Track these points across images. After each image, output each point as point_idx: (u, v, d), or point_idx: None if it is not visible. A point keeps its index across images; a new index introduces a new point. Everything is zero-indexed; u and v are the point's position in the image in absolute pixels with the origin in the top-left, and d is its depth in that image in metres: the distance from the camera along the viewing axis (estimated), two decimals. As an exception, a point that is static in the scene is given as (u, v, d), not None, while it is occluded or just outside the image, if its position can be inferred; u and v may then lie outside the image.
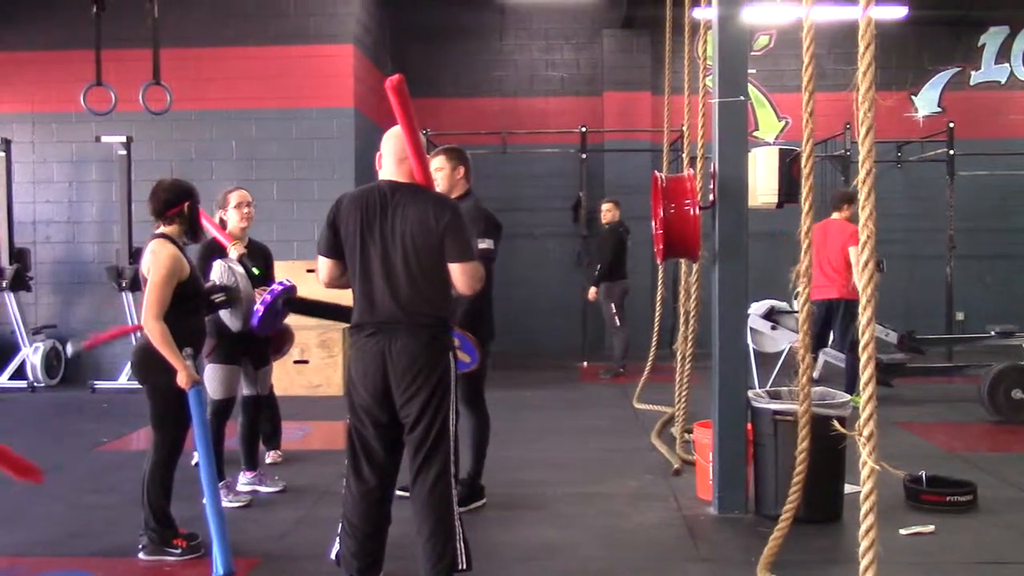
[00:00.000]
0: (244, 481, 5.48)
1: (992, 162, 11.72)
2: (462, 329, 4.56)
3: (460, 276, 3.66)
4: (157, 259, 4.25)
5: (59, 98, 10.11)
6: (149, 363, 4.26)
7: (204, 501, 4.03)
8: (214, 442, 5.13)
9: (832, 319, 8.00)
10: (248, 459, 5.52)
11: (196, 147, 10.17)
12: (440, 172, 4.94)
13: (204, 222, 5.13)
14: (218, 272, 5.00)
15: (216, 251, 5.30)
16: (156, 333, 4.15)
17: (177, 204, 4.41)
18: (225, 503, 5.13)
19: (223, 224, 5.50)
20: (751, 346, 7.59)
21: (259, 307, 4.99)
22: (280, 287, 5.07)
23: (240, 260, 5.26)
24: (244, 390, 5.48)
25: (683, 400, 6.57)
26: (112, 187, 10.05)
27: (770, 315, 8.22)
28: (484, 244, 4.74)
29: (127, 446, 7.03)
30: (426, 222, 3.60)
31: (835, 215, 8.07)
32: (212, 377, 5.24)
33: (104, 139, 9.72)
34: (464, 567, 3.69)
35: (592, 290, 10.19)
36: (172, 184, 4.51)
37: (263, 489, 5.48)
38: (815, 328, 7.68)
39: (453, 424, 3.70)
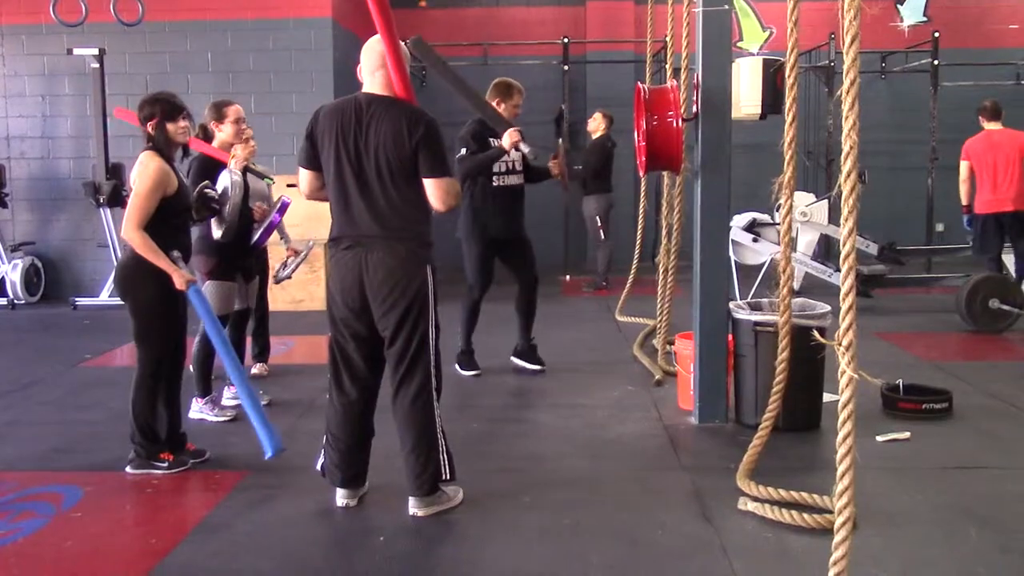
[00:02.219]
0: (229, 395, 5.52)
1: (976, 72, 11.64)
2: None
3: (434, 191, 3.64)
4: (144, 171, 4.20)
5: (28, 9, 9.86)
6: (132, 278, 4.23)
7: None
8: (204, 358, 5.23)
9: (1009, 232, 8.02)
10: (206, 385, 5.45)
11: (171, 60, 9.96)
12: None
13: (194, 143, 5.07)
14: (223, 182, 4.98)
15: (210, 169, 5.15)
16: (138, 241, 4.12)
17: (151, 117, 4.31)
18: (210, 417, 5.22)
19: (207, 137, 5.35)
20: (732, 258, 7.62)
21: (273, 220, 5.11)
22: (285, 204, 5.19)
23: (247, 171, 5.23)
24: (236, 304, 5.46)
25: (665, 312, 6.61)
26: (86, 101, 9.85)
27: (752, 227, 8.22)
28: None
29: (110, 362, 7.05)
30: (399, 136, 3.57)
31: (991, 125, 8.12)
32: (211, 294, 5.12)
33: (76, 51, 9.47)
34: (448, 477, 3.77)
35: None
36: (148, 97, 4.40)
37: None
38: (991, 245, 7.95)
39: (433, 339, 3.72)
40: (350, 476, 3.84)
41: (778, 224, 8.64)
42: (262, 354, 6.28)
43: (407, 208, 3.64)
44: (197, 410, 5.28)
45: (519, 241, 6.19)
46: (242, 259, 5.35)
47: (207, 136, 5.35)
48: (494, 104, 5.84)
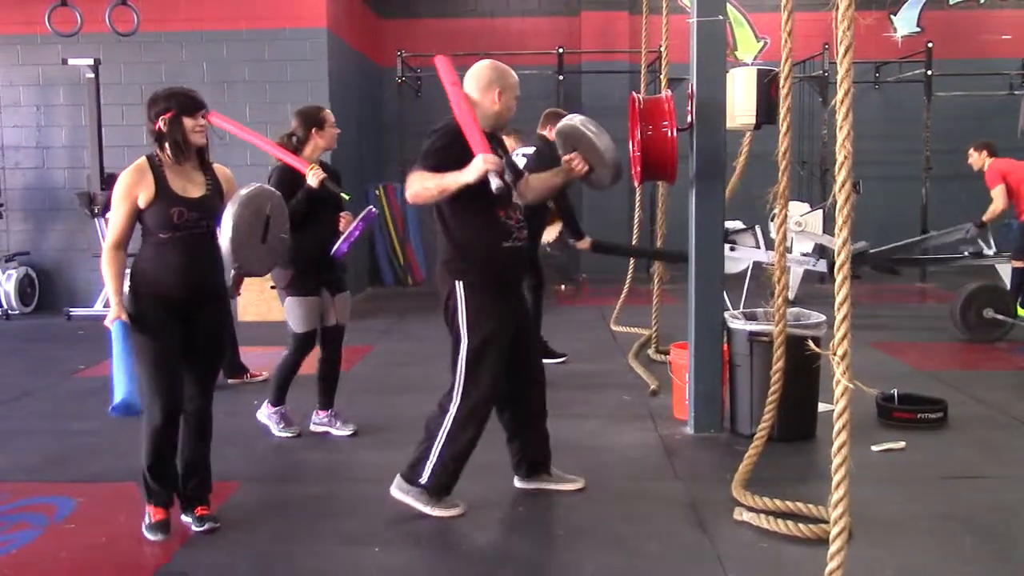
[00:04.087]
0: (317, 420, 5.21)
1: (970, 83, 11.68)
2: None
3: None
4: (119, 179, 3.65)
5: (23, 19, 9.84)
6: (130, 313, 3.66)
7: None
8: (288, 374, 5.08)
9: None
10: (325, 397, 5.20)
11: (166, 70, 9.94)
12: None
13: (270, 147, 4.93)
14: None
15: (294, 179, 4.80)
16: (102, 260, 3.63)
17: (166, 111, 3.61)
18: (274, 429, 5.12)
19: (295, 148, 4.95)
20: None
21: (355, 229, 4.81)
22: (371, 215, 4.91)
23: (323, 185, 4.78)
24: (325, 321, 5.09)
25: (658, 322, 6.62)
26: (81, 111, 9.84)
27: (726, 237, 8.24)
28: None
29: (105, 372, 7.01)
30: None
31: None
32: (293, 311, 4.95)
33: (71, 62, 9.47)
34: (424, 483, 3.88)
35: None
36: (164, 91, 3.72)
37: (335, 432, 5.16)
38: None
39: (464, 350, 3.82)
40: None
41: (750, 228, 8.69)
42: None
43: (441, 224, 3.89)
44: (264, 416, 5.17)
45: None
46: (325, 272, 4.99)
47: (294, 145, 4.97)
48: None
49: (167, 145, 3.61)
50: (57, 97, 10.22)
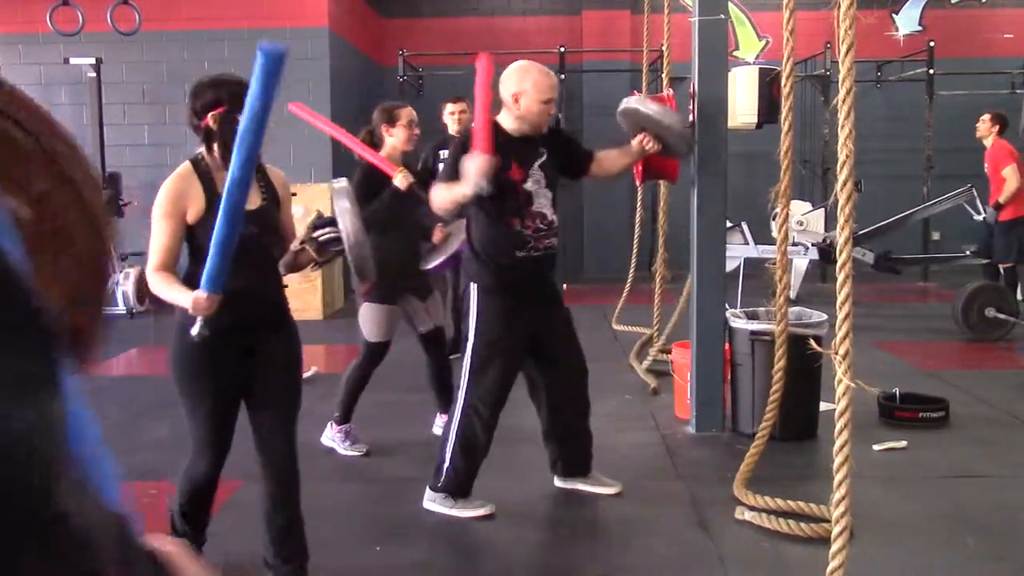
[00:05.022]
0: (438, 423, 4.93)
1: (971, 81, 11.67)
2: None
3: None
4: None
5: (25, 18, 9.85)
6: (172, 348, 2.98)
7: None
8: (358, 386, 4.78)
9: None
10: (442, 402, 4.84)
11: (168, 69, 9.96)
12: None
13: (357, 146, 4.62)
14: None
15: (376, 180, 4.50)
16: (153, 284, 2.89)
17: (215, 105, 2.92)
18: (340, 449, 4.79)
19: (374, 145, 4.67)
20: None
21: (454, 249, 4.55)
22: None
23: (411, 190, 4.43)
24: (420, 327, 4.82)
25: (659, 321, 6.61)
26: (83, 110, 9.85)
27: None
28: None
29: (105, 371, 7.02)
30: None
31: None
32: (369, 318, 4.68)
33: (73, 61, 9.49)
34: (438, 486, 3.90)
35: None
36: (209, 80, 3.00)
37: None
38: None
39: (469, 353, 3.85)
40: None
41: (737, 226, 8.70)
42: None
43: (466, 226, 3.98)
44: (329, 437, 4.84)
45: None
46: (409, 279, 4.66)
47: (374, 142, 4.70)
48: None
49: (216, 147, 2.92)
50: (59, 96, 10.23)
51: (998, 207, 8.20)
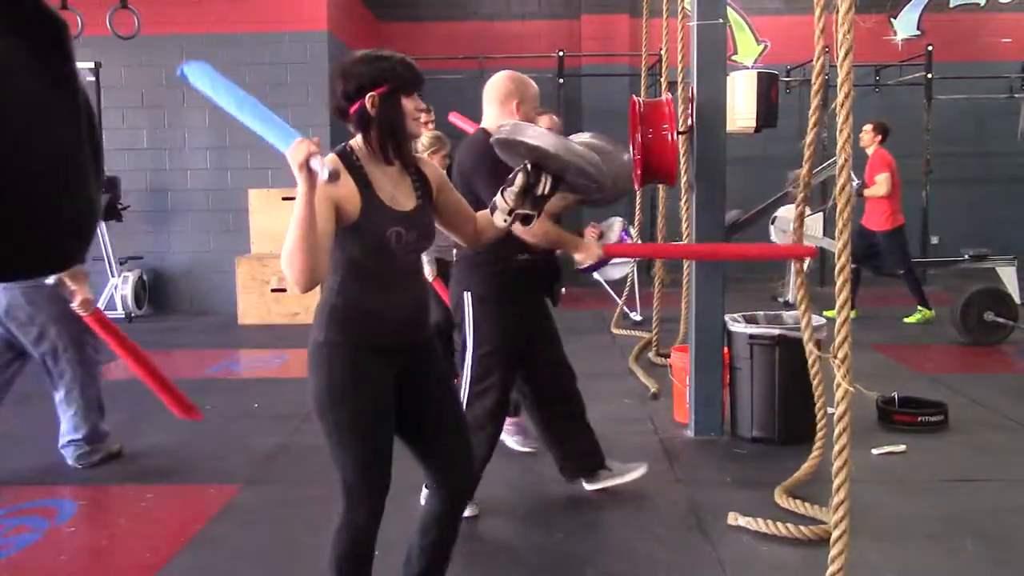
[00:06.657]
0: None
1: (970, 86, 11.69)
2: None
3: None
4: None
5: (24, 22, 9.84)
6: (314, 354, 2.57)
7: None
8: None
9: None
10: None
11: (167, 73, 9.94)
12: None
13: None
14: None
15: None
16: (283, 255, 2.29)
17: (376, 84, 2.45)
18: (510, 443, 4.74)
19: None
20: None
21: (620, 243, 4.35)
22: (626, 232, 4.53)
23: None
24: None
25: (658, 325, 6.61)
26: (82, 114, 9.85)
27: None
28: None
29: (105, 375, 6.99)
30: None
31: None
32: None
33: (72, 65, 9.49)
34: None
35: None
36: (362, 55, 2.55)
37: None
38: None
39: (469, 361, 3.82)
40: None
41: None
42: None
43: None
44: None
45: None
46: (547, 280, 4.10)
47: None
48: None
49: (373, 133, 2.46)
50: (58, 100, 10.22)
51: (860, 191, 8.38)
